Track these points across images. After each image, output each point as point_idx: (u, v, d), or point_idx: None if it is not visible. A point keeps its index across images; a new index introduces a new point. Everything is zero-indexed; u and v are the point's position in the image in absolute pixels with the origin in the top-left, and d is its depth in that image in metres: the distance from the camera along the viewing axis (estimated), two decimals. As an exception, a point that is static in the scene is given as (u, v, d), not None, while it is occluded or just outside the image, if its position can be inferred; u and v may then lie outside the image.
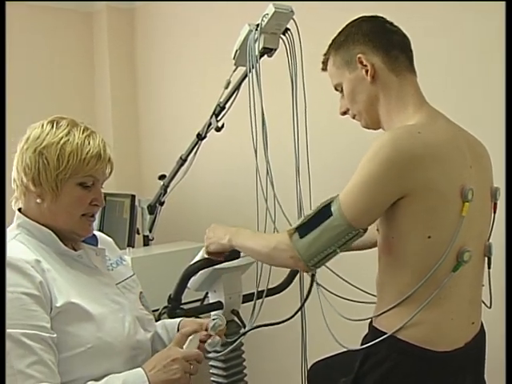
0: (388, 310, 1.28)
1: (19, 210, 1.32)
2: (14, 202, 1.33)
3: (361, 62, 1.36)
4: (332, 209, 1.24)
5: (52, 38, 3.21)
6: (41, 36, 3.17)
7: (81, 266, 1.32)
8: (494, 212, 1.39)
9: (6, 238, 1.25)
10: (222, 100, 2.10)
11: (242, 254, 1.81)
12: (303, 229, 1.27)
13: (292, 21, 1.75)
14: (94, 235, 1.44)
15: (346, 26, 1.43)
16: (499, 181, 1.42)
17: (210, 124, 2.17)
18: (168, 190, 2.48)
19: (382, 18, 1.41)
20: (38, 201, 1.27)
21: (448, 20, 1.97)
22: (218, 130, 2.16)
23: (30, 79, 3.12)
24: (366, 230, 1.26)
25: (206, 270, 1.79)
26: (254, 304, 1.66)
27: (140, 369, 1.22)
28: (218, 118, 2.14)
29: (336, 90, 1.46)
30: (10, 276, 1.15)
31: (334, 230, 1.24)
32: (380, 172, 1.20)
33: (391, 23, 1.41)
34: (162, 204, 2.54)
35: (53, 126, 1.28)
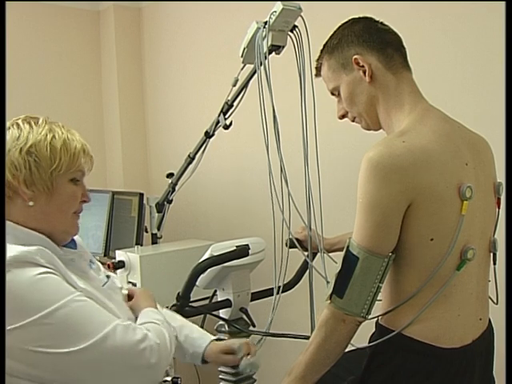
0: (394, 309, 1.28)
1: None
2: None
3: (357, 63, 1.34)
4: (354, 252, 1.22)
5: (59, 36, 3.22)
6: (47, 34, 3.18)
7: (74, 270, 1.25)
8: (498, 207, 1.37)
9: (5, 238, 1.17)
10: (229, 98, 2.10)
11: (250, 252, 1.81)
12: (338, 289, 1.23)
13: (300, 18, 1.75)
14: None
15: (337, 28, 1.42)
16: (500, 178, 1.41)
17: (217, 122, 2.17)
18: (176, 188, 2.49)
19: (372, 18, 1.41)
20: (30, 203, 1.20)
21: (449, 20, 1.96)
22: (226, 127, 2.16)
23: (36, 77, 3.13)
24: (394, 252, 1.23)
25: (214, 267, 1.79)
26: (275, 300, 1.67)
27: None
28: (226, 116, 2.14)
29: (332, 94, 1.44)
30: (23, 271, 1.09)
31: (368, 270, 1.21)
32: (378, 193, 1.19)
33: (381, 22, 1.40)
34: (170, 202, 2.54)
35: (31, 125, 1.23)
